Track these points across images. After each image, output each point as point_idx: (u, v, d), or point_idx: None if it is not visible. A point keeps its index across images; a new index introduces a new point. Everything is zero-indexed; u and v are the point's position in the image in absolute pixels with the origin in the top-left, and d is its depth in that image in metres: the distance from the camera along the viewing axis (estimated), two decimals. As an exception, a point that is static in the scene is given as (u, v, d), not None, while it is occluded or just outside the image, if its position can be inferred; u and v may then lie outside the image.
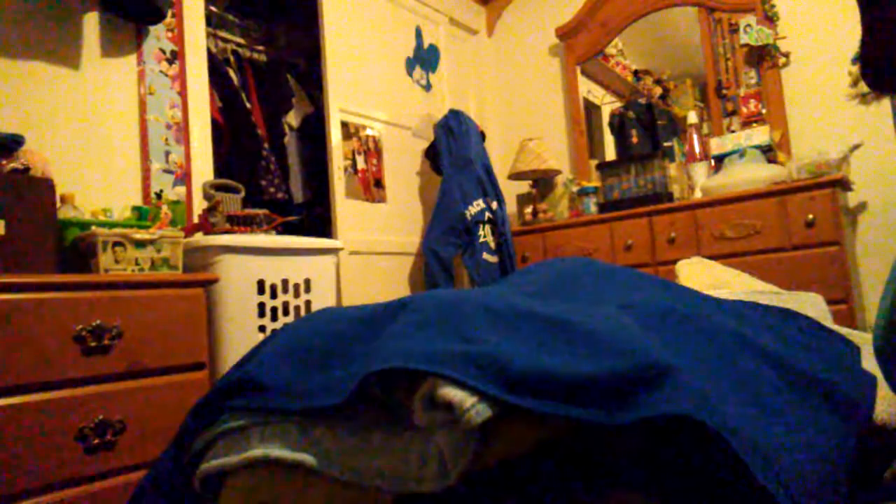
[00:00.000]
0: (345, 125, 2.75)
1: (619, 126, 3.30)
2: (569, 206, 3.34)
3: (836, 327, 1.19)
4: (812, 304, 1.51)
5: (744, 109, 2.88)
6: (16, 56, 1.79)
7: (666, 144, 3.08)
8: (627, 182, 2.89)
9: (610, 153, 3.36)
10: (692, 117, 2.93)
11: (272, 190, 2.77)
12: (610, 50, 3.38)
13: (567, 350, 0.66)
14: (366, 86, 2.89)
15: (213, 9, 2.76)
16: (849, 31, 2.65)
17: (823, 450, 0.67)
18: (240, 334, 1.84)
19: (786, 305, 1.23)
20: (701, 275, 1.91)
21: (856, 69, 2.64)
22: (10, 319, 1.26)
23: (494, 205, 3.02)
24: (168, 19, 2.16)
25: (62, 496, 1.30)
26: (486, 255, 2.93)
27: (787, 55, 2.81)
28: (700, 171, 2.81)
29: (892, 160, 2.56)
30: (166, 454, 0.81)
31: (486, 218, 2.96)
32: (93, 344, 1.38)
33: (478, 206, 2.94)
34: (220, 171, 2.42)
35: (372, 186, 2.87)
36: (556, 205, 3.39)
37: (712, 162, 2.83)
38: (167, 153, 2.11)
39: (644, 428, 0.63)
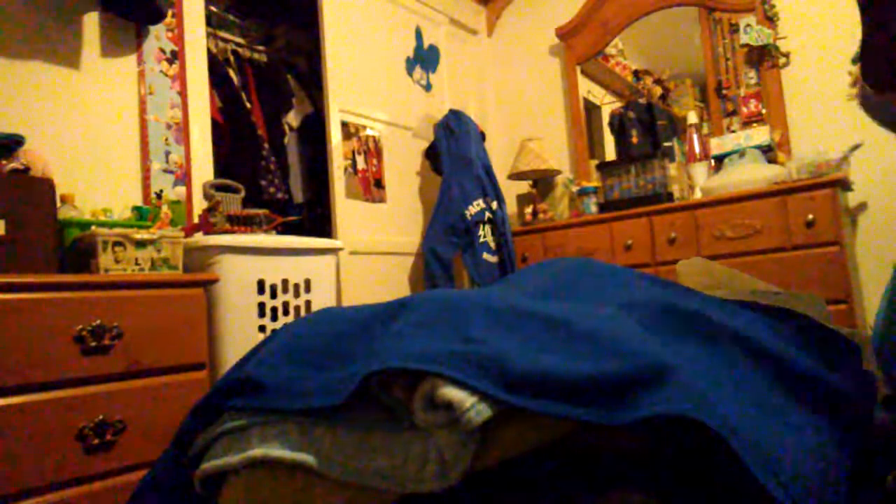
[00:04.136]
0: (345, 125, 2.75)
1: (619, 126, 3.30)
2: (569, 206, 3.33)
3: (836, 327, 1.19)
4: (812, 304, 1.51)
5: (744, 109, 2.87)
6: (16, 56, 1.79)
7: (666, 144, 3.08)
8: (627, 182, 2.89)
9: (610, 153, 3.36)
10: (692, 117, 2.93)
11: (272, 190, 2.77)
12: (610, 50, 3.37)
13: (567, 350, 0.66)
14: (366, 86, 2.89)
15: (213, 9, 2.76)
16: (849, 31, 2.65)
17: (823, 450, 0.67)
18: (240, 334, 1.84)
19: (786, 305, 1.23)
20: (701, 275, 1.91)
21: (856, 69, 2.62)
22: (10, 319, 1.27)
23: (494, 205, 3.02)
24: (168, 19, 2.16)
25: (62, 496, 1.30)
26: (486, 255, 2.93)
27: (787, 55, 2.81)
28: (700, 171, 2.81)
29: (892, 160, 2.56)
30: (166, 454, 0.81)
31: (486, 218, 2.96)
32: (93, 344, 1.38)
33: (478, 206, 2.94)
34: (220, 171, 2.42)
35: (372, 186, 2.87)
36: (556, 205, 3.39)
37: (712, 162, 2.83)
38: (167, 153, 2.11)
39: (644, 428, 0.63)
